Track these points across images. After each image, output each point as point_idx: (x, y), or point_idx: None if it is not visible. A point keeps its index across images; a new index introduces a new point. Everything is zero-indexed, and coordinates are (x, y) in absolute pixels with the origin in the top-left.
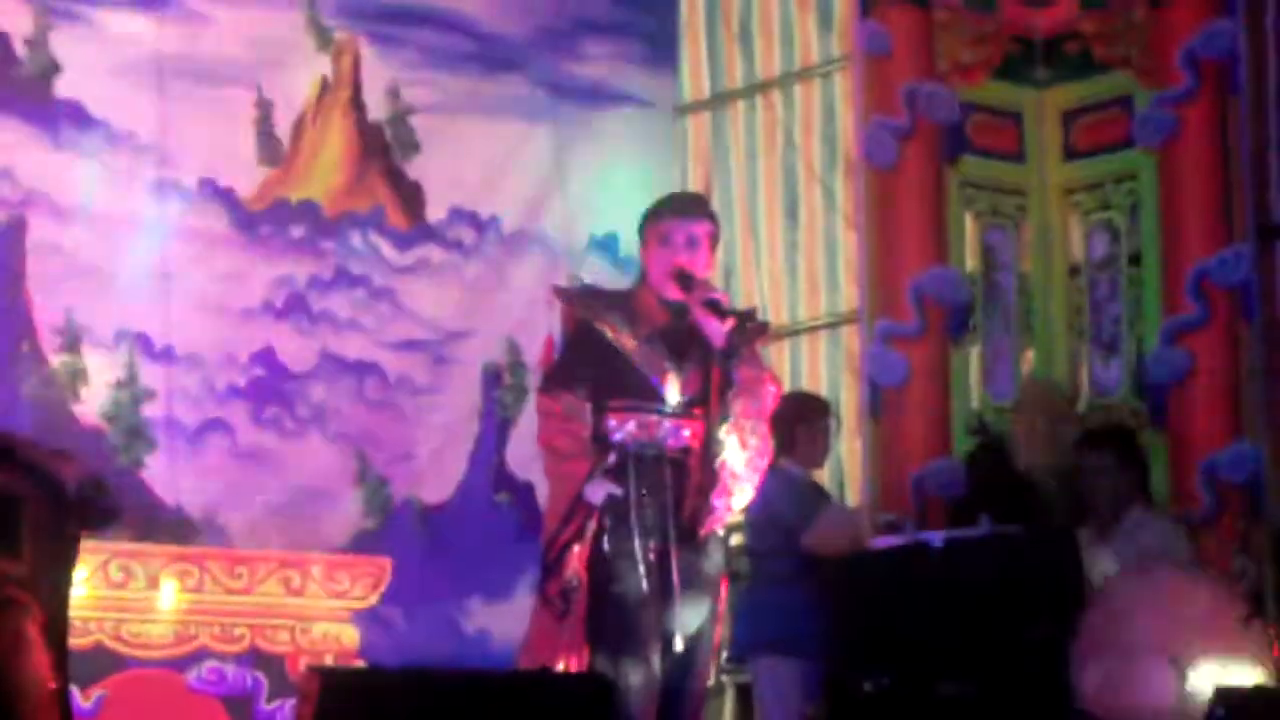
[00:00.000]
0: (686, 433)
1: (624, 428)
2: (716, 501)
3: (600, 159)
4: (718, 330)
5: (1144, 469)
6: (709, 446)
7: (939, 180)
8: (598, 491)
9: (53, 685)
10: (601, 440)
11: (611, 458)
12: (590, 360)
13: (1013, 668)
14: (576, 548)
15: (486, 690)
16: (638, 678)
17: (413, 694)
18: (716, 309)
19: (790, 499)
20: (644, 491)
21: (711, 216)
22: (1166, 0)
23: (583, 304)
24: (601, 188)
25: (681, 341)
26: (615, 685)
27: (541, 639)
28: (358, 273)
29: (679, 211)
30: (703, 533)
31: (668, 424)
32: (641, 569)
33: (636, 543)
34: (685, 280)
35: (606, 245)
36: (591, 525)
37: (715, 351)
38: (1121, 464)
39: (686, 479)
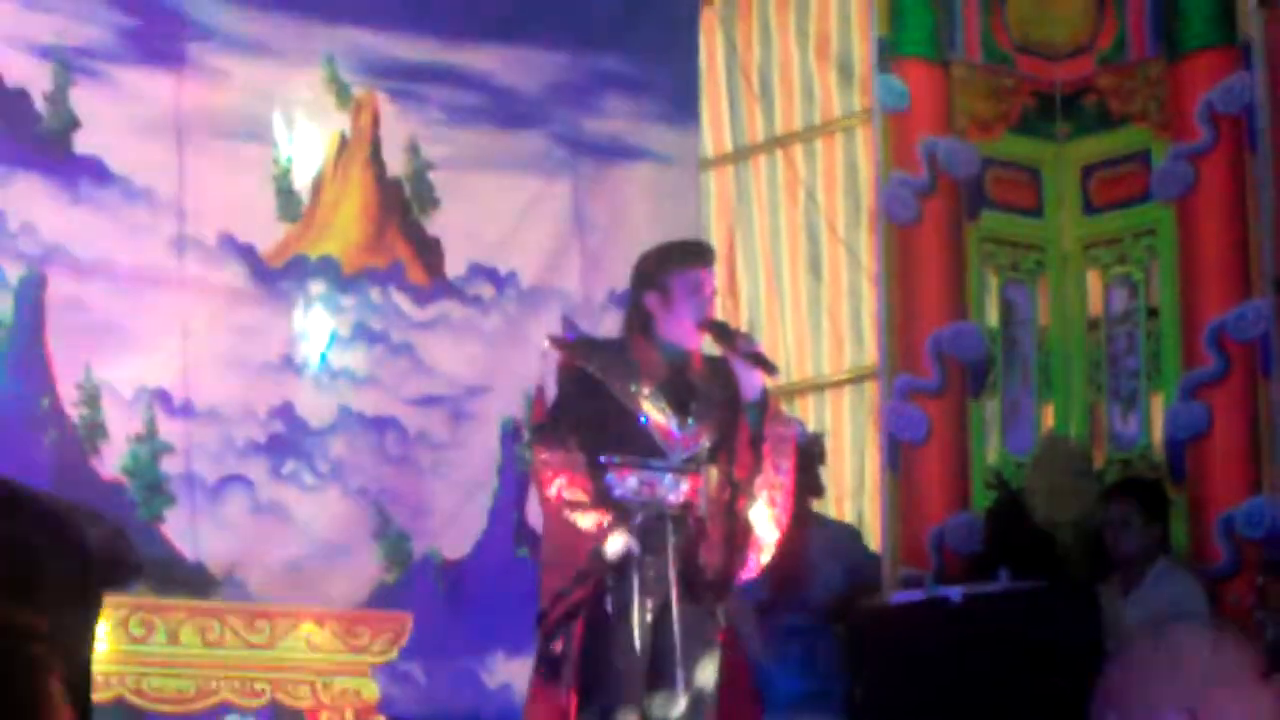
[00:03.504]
0: (685, 488)
1: (624, 484)
2: (750, 555)
3: (619, 214)
4: (755, 383)
5: (1167, 522)
6: (735, 498)
7: (958, 235)
8: (618, 547)
9: None
10: (601, 494)
11: (639, 517)
12: (586, 411)
13: None
14: (582, 611)
15: None
16: None
17: None
18: (761, 362)
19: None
20: (645, 549)
21: None
22: (1184, 54)
23: (582, 354)
24: (621, 243)
25: (683, 394)
26: None
27: (538, 703)
28: (377, 328)
29: (707, 260)
30: (736, 584)
31: (668, 480)
32: (637, 631)
33: (635, 603)
34: (723, 331)
35: (625, 301)
36: (587, 596)
37: (747, 404)
38: (1147, 516)
39: (687, 536)
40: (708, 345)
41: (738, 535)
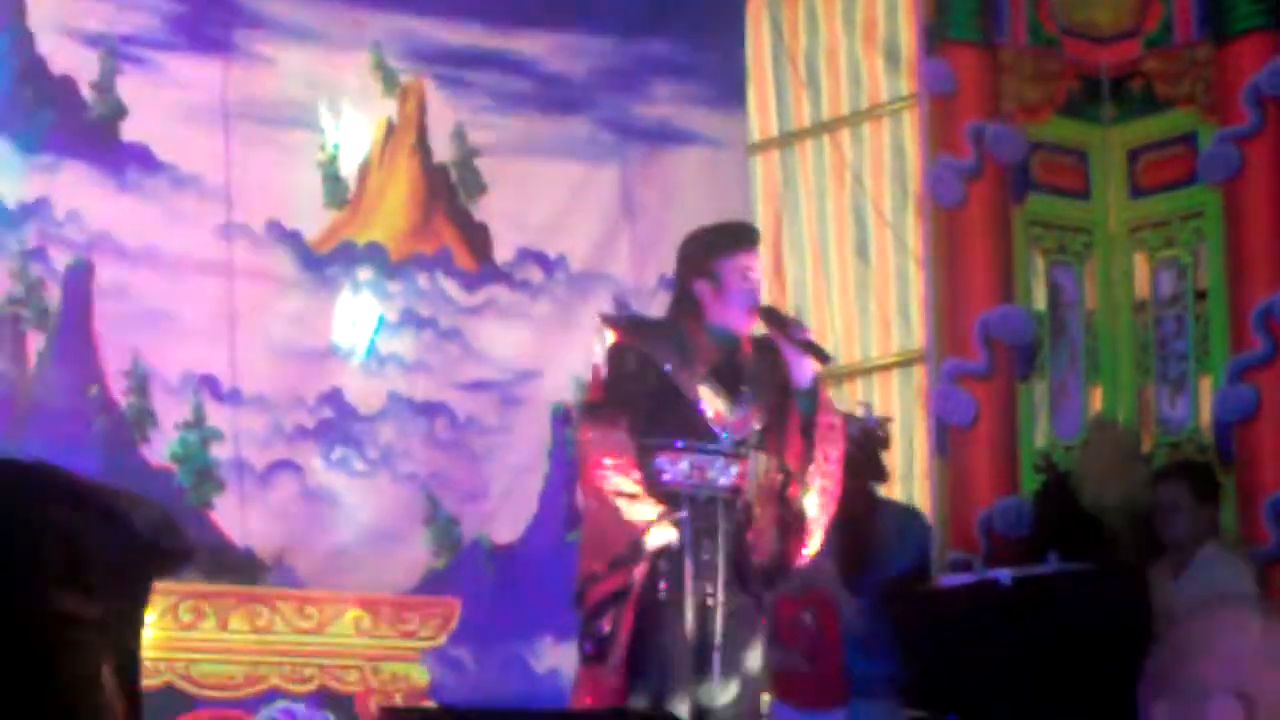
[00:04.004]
0: (735, 471)
1: (675, 467)
2: (803, 542)
3: (667, 199)
4: (806, 370)
5: (1218, 505)
6: (786, 484)
7: (1005, 219)
8: (660, 539)
9: None
10: (652, 479)
11: (683, 511)
12: (638, 392)
13: (1081, 706)
14: (621, 599)
15: None
16: None
17: None
18: (813, 349)
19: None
20: (696, 533)
21: None
22: (1230, 37)
23: (634, 334)
24: (669, 228)
25: (735, 377)
26: None
27: (584, 684)
28: (425, 314)
29: (754, 243)
30: (788, 572)
31: (720, 463)
32: (689, 615)
33: (689, 588)
34: (776, 318)
35: (673, 285)
36: (638, 574)
37: (798, 391)
38: (1198, 499)
39: (736, 520)
40: (756, 327)
41: (791, 523)
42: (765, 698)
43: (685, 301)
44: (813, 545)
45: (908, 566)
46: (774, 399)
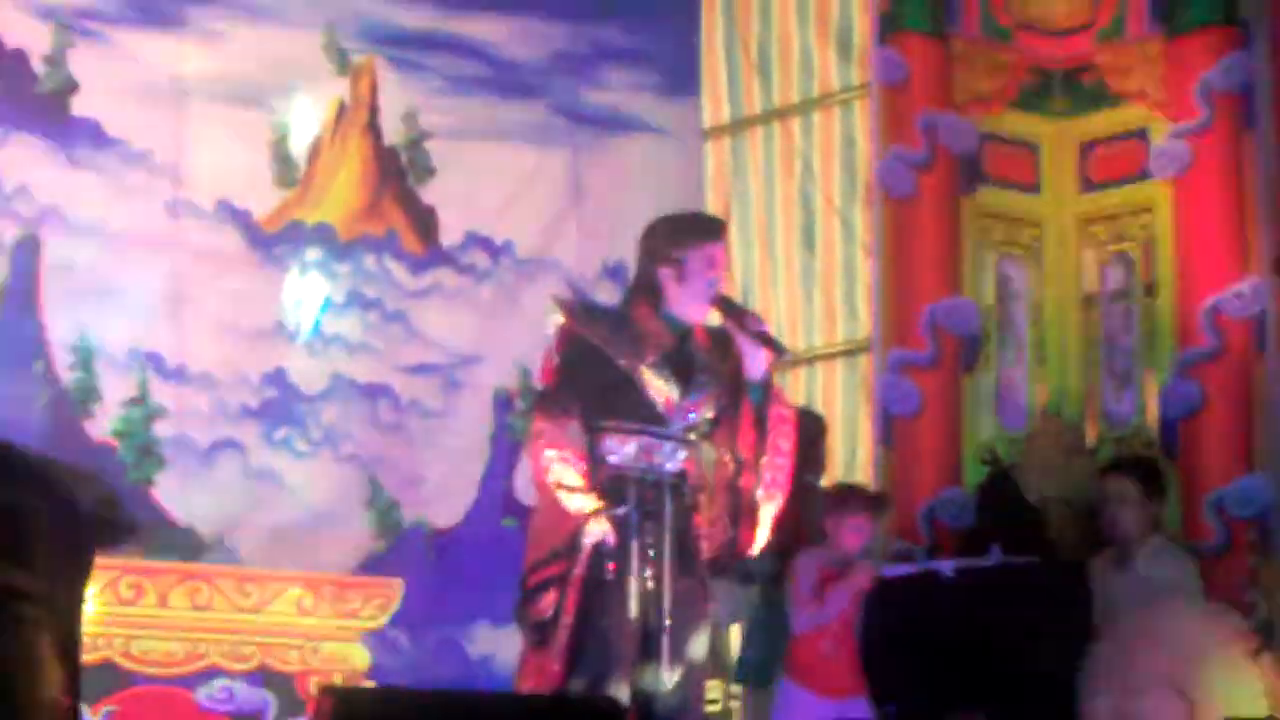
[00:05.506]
0: (682, 456)
1: (623, 450)
2: (754, 532)
3: (616, 186)
4: (760, 363)
5: (1164, 501)
6: (738, 474)
7: (955, 210)
8: (596, 534)
9: (66, 701)
10: (598, 462)
11: (622, 509)
12: (588, 378)
13: (1022, 699)
14: (556, 586)
15: (502, 713)
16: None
17: (428, 715)
18: (768, 342)
19: None
20: (643, 518)
21: None
22: (1183, 33)
23: (584, 320)
24: (617, 215)
25: (686, 364)
26: (627, 709)
27: (529, 667)
28: (371, 296)
29: (721, 236)
30: (735, 561)
31: (668, 448)
32: (633, 599)
33: (633, 571)
34: (733, 309)
35: (619, 272)
36: (583, 558)
37: (750, 383)
38: (1144, 494)
39: (682, 505)
40: (711, 317)
41: (742, 513)
42: (710, 683)
43: (644, 285)
44: (763, 535)
45: None
46: (727, 389)
